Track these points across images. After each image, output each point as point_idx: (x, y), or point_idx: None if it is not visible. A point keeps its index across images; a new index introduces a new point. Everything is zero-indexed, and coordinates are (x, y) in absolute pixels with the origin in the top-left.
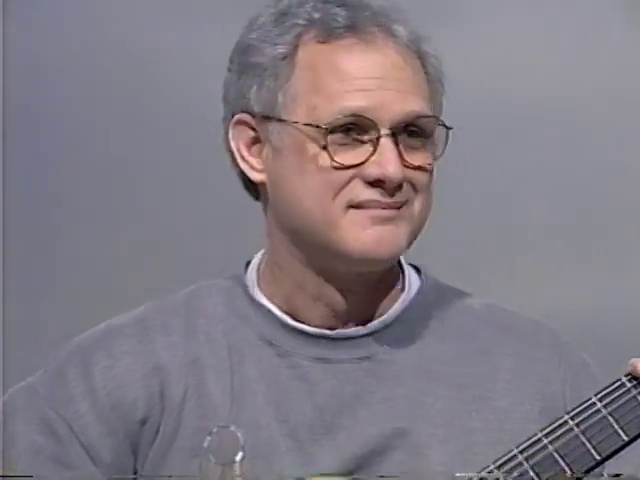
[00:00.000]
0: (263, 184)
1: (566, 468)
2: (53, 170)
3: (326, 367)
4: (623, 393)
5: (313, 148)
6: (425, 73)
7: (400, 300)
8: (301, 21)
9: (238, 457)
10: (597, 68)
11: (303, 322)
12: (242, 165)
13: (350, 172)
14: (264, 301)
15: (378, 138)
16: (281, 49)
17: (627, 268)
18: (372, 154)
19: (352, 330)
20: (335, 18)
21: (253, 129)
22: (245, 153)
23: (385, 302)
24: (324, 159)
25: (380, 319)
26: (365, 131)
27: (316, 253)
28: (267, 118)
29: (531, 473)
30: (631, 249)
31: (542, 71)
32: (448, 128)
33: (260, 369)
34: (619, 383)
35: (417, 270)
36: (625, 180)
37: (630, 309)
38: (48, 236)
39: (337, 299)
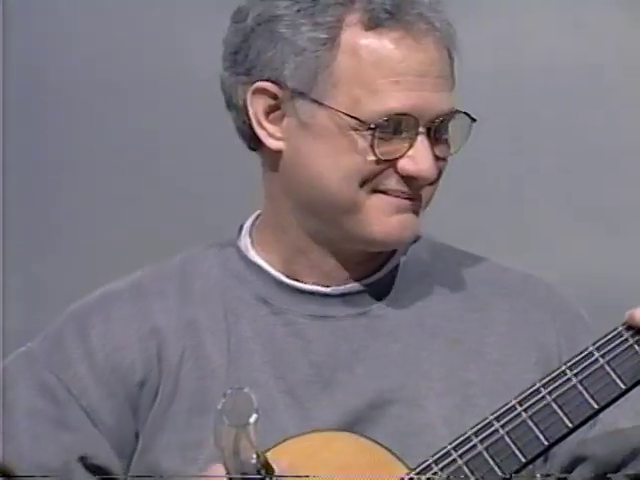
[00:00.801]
0: (278, 152)
1: (564, 418)
2: (54, 132)
3: (322, 324)
4: (620, 342)
5: (352, 138)
6: (451, 64)
7: (395, 257)
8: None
9: (252, 419)
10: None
11: (298, 280)
12: (259, 132)
13: (385, 164)
14: (259, 261)
15: (416, 134)
16: (323, 32)
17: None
18: (408, 149)
19: (347, 287)
20: (381, 5)
21: (274, 97)
22: (263, 120)
23: (380, 259)
24: (363, 149)
25: (375, 275)
26: (404, 127)
27: (329, 228)
28: (301, 95)
29: (530, 424)
30: None
31: (552, 37)
32: (474, 120)
33: (256, 328)
34: (616, 332)
35: None
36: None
37: None
38: (47, 201)
39: (337, 265)
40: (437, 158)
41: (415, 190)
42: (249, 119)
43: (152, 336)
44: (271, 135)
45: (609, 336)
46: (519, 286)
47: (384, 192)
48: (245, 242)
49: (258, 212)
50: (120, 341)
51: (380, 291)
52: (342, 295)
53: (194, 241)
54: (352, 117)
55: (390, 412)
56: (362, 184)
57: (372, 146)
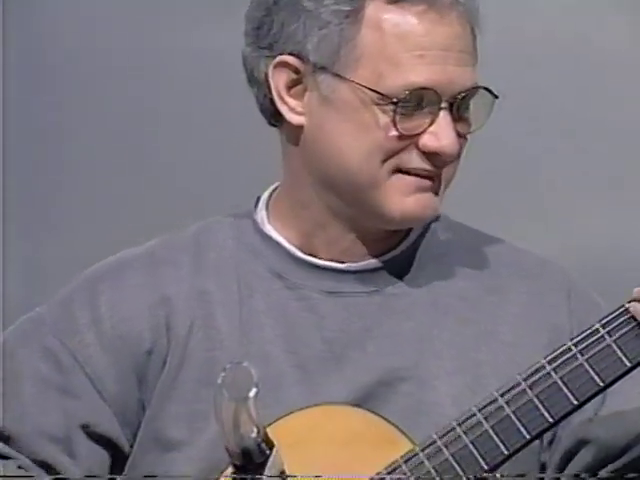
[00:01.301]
0: (299, 127)
1: (569, 395)
2: (55, 105)
3: (335, 300)
4: (627, 320)
5: (374, 113)
6: (474, 40)
7: (411, 235)
8: None
9: (252, 393)
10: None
11: (313, 255)
12: (280, 107)
13: (407, 140)
14: (274, 235)
15: (438, 110)
16: (346, 5)
17: None
18: (430, 125)
19: (362, 264)
20: None
21: (296, 71)
22: (284, 94)
23: (398, 237)
24: (385, 125)
25: (391, 253)
26: (426, 102)
27: (347, 204)
28: (323, 69)
29: (535, 401)
30: None
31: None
32: (496, 97)
33: (269, 302)
34: (622, 309)
35: None
36: None
37: None
38: (49, 172)
39: (355, 241)
40: (458, 135)
41: (436, 168)
42: (270, 94)
43: (162, 305)
44: (292, 110)
45: (615, 313)
46: (536, 269)
47: (405, 172)
48: (261, 215)
49: (276, 184)
50: (129, 309)
51: (395, 269)
52: (357, 272)
53: (195, 220)
54: (374, 91)
55: (400, 390)
56: (383, 161)
57: (394, 121)
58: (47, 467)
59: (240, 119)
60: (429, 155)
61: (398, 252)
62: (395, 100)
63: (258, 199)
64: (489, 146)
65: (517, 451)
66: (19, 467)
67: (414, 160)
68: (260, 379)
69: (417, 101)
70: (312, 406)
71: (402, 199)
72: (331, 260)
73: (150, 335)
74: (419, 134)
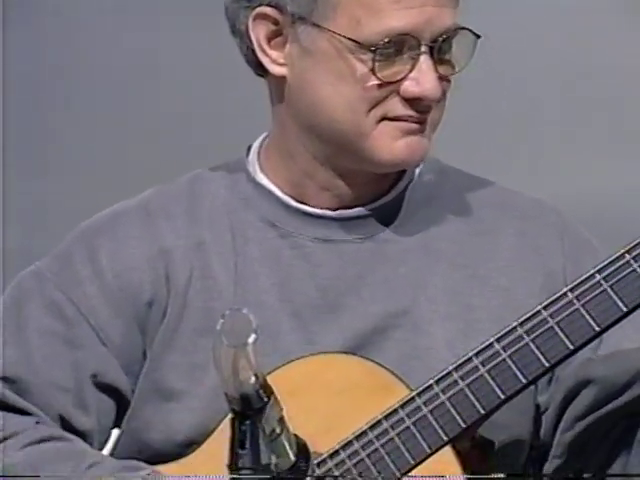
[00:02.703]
0: (283, 78)
1: (565, 339)
2: (57, 51)
3: (329, 247)
4: (623, 265)
5: (353, 62)
6: None
7: (403, 180)
8: None
9: (251, 339)
10: None
11: (305, 203)
12: (262, 58)
13: (389, 88)
14: (267, 183)
15: (418, 55)
16: None
17: None
18: (410, 71)
19: (355, 210)
20: None
21: (275, 22)
22: (265, 46)
23: (387, 182)
24: (364, 74)
25: (382, 200)
26: (405, 47)
27: (335, 152)
28: (301, 19)
29: (532, 346)
30: None
31: None
32: (478, 37)
33: (263, 251)
34: (618, 255)
35: None
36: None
37: None
38: (50, 118)
39: (345, 188)
40: (440, 78)
41: (421, 112)
42: (252, 45)
43: (160, 257)
44: (274, 61)
45: (611, 259)
46: (528, 210)
47: (392, 119)
48: (253, 164)
49: (266, 133)
50: (129, 261)
51: (387, 215)
52: (349, 219)
53: (196, 162)
54: (352, 40)
55: (395, 336)
56: (368, 111)
57: (373, 70)
58: (61, 420)
59: (237, 67)
60: (412, 101)
61: (389, 198)
62: (373, 48)
63: (249, 148)
64: (488, 91)
65: (513, 395)
66: (37, 423)
67: (399, 108)
68: (258, 326)
69: (396, 47)
70: (309, 355)
71: (391, 144)
72: (323, 208)
73: (150, 287)
74: (400, 80)
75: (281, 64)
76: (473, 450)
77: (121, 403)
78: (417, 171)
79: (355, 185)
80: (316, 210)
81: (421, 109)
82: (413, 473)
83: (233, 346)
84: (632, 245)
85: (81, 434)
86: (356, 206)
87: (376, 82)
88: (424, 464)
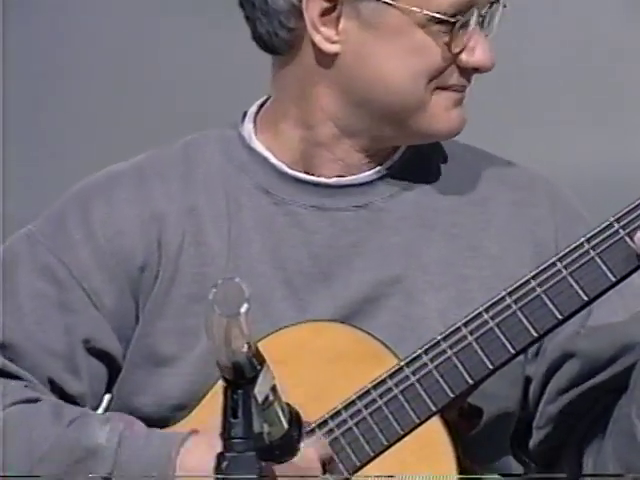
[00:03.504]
0: (329, 54)
1: (554, 309)
2: (56, 29)
3: (322, 215)
4: (611, 234)
5: (423, 35)
6: None
7: (398, 150)
8: None
9: (243, 309)
10: None
11: (300, 171)
12: (315, 36)
13: (451, 59)
14: (262, 150)
15: (475, 23)
16: None
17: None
18: (467, 41)
19: (349, 178)
20: None
21: (329, 0)
22: (318, 24)
23: (383, 152)
24: (433, 46)
25: (377, 168)
26: (466, 17)
27: (379, 125)
28: None
29: (520, 315)
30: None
31: None
32: (504, 6)
33: (256, 217)
34: (607, 224)
35: None
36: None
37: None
38: (49, 91)
39: (343, 157)
40: None
41: (469, 82)
42: (290, 22)
43: (153, 221)
44: (327, 39)
45: (600, 228)
46: (522, 181)
47: (444, 88)
48: (248, 130)
49: (262, 99)
50: (121, 225)
51: (382, 184)
52: (344, 187)
53: (194, 128)
54: (422, 13)
55: (386, 305)
56: (429, 81)
57: (444, 41)
58: (51, 384)
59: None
60: (467, 71)
61: (385, 167)
62: (444, 19)
63: (245, 113)
64: None
65: (501, 365)
66: (25, 387)
67: (455, 78)
68: (250, 295)
69: (460, 18)
70: (300, 323)
71: (446, 115)
72: (319, 175)
73: (142, 251)
74: (460, 52)
75: (334, 41)
76: (461, 419)
77: (113, 368)
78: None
79: (352, 157)
80: (311, 178)
81: (470, 78)
82: (402, 448)
83: (225, 315)
84: (621, 214)
85: (72, 399)
86: (350, 175)
87: (444, 54)
88: (412, 434)
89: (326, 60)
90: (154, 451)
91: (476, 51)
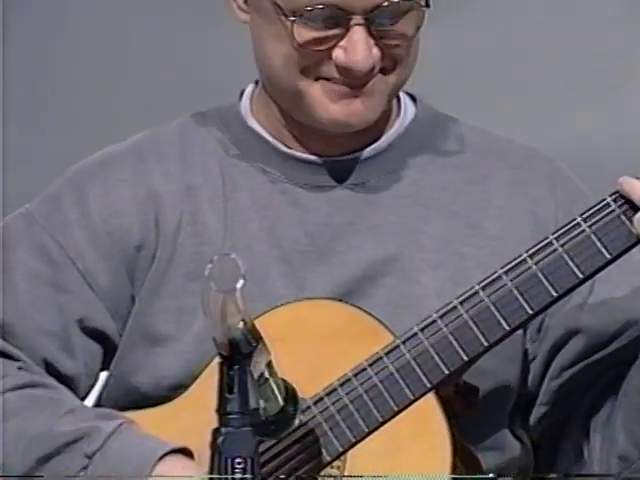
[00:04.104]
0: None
1: (549, 287)
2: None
3: (319, 194)
4: (607, 213)
5: (280, 25)
6: None
7: (394, 128)
8: None
9: (239, 285)
10: None
11: (296, 150)
12: (231, 2)
13: (320, 53)
14: (258, 129)
15: (350, 25)
16: None
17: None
18: (341, 38)
19: (345, 157)
20: None
21: None
22: None
23: (377, 130)
24: (293, 39)
25: (373, 146)
26: (336, 17)
27: (287, 107)
28: None
29: (515, 293)
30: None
31: None
32: (424, 6)
33: (253, 196)
34: (604, 203)
35: (413, 99)
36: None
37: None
38: (50, 62)
39: (330, 138)
40: (386, 47)
41: (357, 79)
42: None
43: (150, 201)
44: (239, 7)
45: (596, 207)
46: (522, 159)
47: (328, 79)
48: (245, 109)
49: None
50: (118, 205)
51: (378, 162)
52: (339, 166)
53: (191, 107)
54: (276, 4)
55: (383, 283)
56: (302, 71)
57: (300, 36)
58: (46, 363)
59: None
60: (342, 68)
61: (380, 145)
62: (292, 18)
63: (242, 92)
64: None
65: (496, 342)
66: (19, 368)
67: (332, 71)
68: (246, 272)
69: (324, 17)
70: (297, 301)
71: (328, 106)
72: (314, 154)
73: (139, 230)
74: (330, 48)
75: (244, 11)
76: (457, 396)
77: (108, 347)
78: (410, 118)
79: (342, 136)
80: (307, 156)
81: (354, 77)
82: (397, 424)
83: (221, 291)
84: (617, 192)
85: (67, 378)
86: (346, 153)
87: (304, 48)
88: (407, 411)
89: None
90: (136, 459)
91: (348, 50)
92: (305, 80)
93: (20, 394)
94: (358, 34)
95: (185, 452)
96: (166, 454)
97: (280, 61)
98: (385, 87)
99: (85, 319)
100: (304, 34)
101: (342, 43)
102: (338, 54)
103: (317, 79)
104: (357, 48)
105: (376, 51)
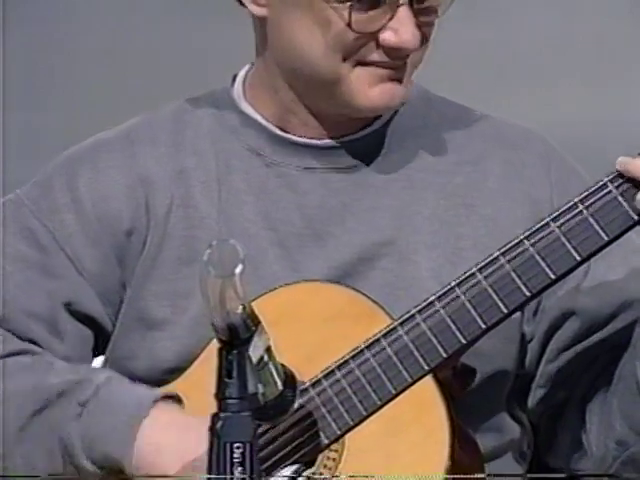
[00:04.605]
0: (263, 18)
1: (547, 269)
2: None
3: (314, 177)
4: (605, 194)
5: (329, 11)
6: None
7: (389, 110)
8: None
9: (238, 270)
10: None
11: (290, 133)
12: None
13: (365, 37)
14: (252, 113)
15: (397, 5)
16: None
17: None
18: (390, 19)
19: (340, 141)
20: None
21: None
22: None
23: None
24: (339, 24)
25: (367, 129)
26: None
27: (314, 94)
28: None
29: (513, 275)
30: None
31: None
32: None
33: (248, 180)
34: (601, 184)
35: None
36: None
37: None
38: (50, 43)
39: (330, 121)
40: (421, 25)
41: (399, 60)
42: None
43: (141, 185)
44: (254, 1)
45: (594, 188)
46: (517, 140)
47: (367, 64)
48: (238, 93)
49: (251, 63)
50: (108, 190)
51: (373, 145)
52: (334, 148)
53: (188, 92)
54: None
55: (380, 265)
56: (344, 58)
57: (349, 20)
58: (35, 345)
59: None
60: (390, 50)
61: (375, 128)
62: (350, 3)
63: (235, 77)
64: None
65: (494, 325)
66: (8, 355)
67: (375, 54)
68: (245, 256)
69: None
70: (294, 283)
71: (367, 90)
72: (308, 137)
73: (129, 215)
74: (378, 30)
75: (261, 5)
76: (454, 379)
77: (99, 332)
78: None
79: (339, 120)
80: (301, 139)
81: (399, 57)
82: (395, 407)
83: (220, 276)
84: (615, 174)
85: None
86: (341, 136)
87: (353, 33)
88: (405, 393)
89: (262, 25)
90: (129, 407)
91: (398, 32)
92: (345, 67)
93: (7, 362)
94: (405, 13)
95: (176, 399)
96: (158, 400)
97: (319, 49)
98: (412, 66)
99: (73, 303)
100: (356, 17)
101: (390, 24)
102: (387, 36)
103: (356, 65)
104: (408, 28)
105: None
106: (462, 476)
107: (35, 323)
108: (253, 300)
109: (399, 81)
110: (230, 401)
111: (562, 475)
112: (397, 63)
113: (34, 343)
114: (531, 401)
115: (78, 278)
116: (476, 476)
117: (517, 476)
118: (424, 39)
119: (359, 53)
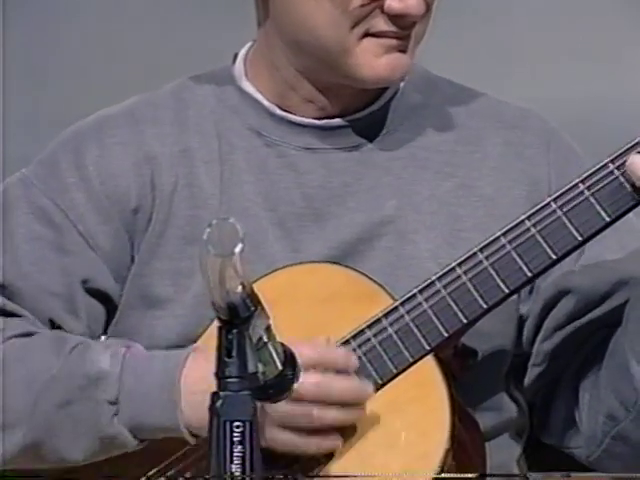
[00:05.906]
0: None
1: (548, 249)
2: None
3: (315, 156)
4: (606, 174)
5: None
6: None
7: (389, 90)
8: None
9: (237, 249)
10: None
11: (291, 113)
12: None
13: (372, 5)
14: (253, 92)
15: None
16: None
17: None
18: None
19: (340, 120)
20: None
21: None
22: None
23: (373, 92)
24: None
25: (368, 109)
26: None
27: (318, 67)
28: None
29: (514, 255)
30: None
31: None
32: None
33: (249, 159)
34: (602, 164)
35: None
36: None
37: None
38: (49, 28)
39: (329, 101)
40: None
41: (404, 28)
42: None
43: (146, 163)
44: None
45: (595, 168)
46: (515, 120)
47: (374, 35)
48: (239, 72)
49: (252, 41)
50: (115, 168)
51: (373, 125)
52: (335, 128)
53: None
54: None
55: (379, 245)
56: (352, 27)
57: None
58: (51, 324)
59: None
60: (395, 17)
61: (375, 107)
62: None
63: (236, 56)
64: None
65: (495, 305)
66: (24, 335)
67: (381, 24)
68: (244, 235)
69: None
70: (295, 264)
71: (373, 61)
72: (309, 117)
73: (136, 193)
74: None
75: None
76: (455, 359)
77: (110, 309)
78: (405, 80)
79: (340, 99)
80: (302, 119)
81: (405, 25)
82: (395, 387)
83: (220, 255)
84: (616, 154)
85: None
86: (342, 116)
87: (359, 0)
88: (406, 372)
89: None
90: (157, 376)
91: None
92: (353, 37)
93: (23, 340)
94: None
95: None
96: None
97: (325, 18)
98: (417, 35)
99: (89, 280)
100: None
101: None
102: (391, 2)
103: (363, 37)
104: None
105: None
106: (460, 475)
107: (52, 301)
108: (254, 282)
109: (404, 52)
110: (230, 380)
111: (562, 475)
112: (403, 33)
113: (51, 321)
114: (527, 380)
115: (92, 255)
116: (464, 475)
117: (517, 476)
118: (427, 7)
119: (367, 23)
